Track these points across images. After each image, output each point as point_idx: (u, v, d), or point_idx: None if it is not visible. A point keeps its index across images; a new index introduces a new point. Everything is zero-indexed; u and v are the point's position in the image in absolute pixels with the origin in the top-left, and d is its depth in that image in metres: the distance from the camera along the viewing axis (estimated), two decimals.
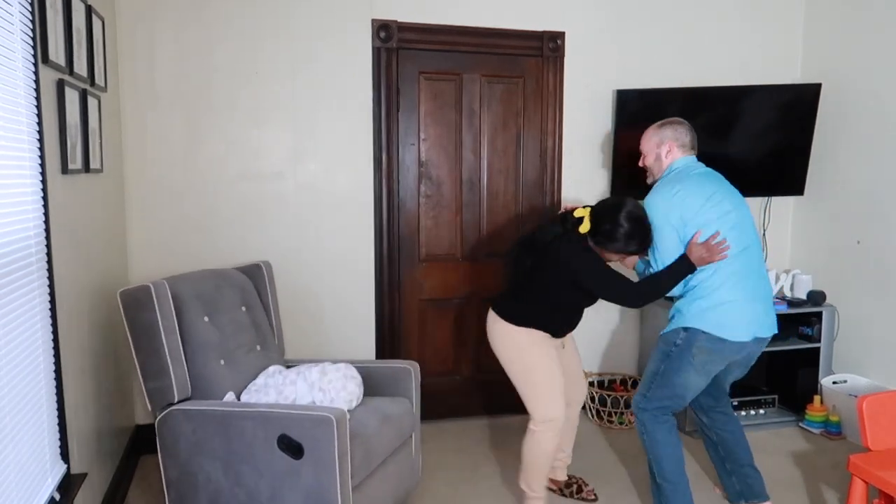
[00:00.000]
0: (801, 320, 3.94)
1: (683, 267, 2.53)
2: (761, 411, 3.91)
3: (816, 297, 3.91)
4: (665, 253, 2.58)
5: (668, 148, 2.70)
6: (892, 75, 3.62)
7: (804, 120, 3.95)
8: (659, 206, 2.59)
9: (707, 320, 2.53)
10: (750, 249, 2.59)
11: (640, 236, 2.58)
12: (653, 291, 2.60)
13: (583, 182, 3.94)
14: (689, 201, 2.54)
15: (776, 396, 3.96)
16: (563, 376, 2.71)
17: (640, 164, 2.80)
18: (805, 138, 3.98)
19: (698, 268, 2.52)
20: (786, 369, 4.01)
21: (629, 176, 3.93)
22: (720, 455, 2.88)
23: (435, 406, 3.74)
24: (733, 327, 2.52)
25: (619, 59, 3.91)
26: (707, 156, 3.98)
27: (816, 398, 3.78)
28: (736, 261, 2.53)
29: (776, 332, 2.65)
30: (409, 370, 2.88)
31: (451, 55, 3.69)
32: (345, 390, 2.59)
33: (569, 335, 2.88)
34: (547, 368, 2.66)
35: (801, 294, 4.02)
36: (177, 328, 2.45)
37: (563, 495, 3.02)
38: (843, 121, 3.93)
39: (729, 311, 2.53)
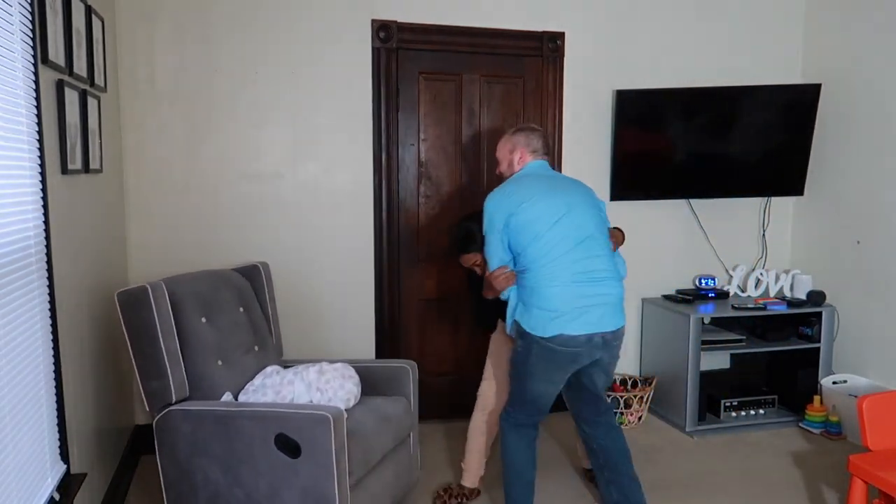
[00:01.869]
0: (801, 320, 3.94)
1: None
2: (761, 411, 3.91)
3: (816, 297, 3.91)
4: (491, 257, 2.56)
5: (519, 154, 2.65)
6: (892, 75, 3.62)
7: (804, 120, 3.95)
8: (488, 208, 2.55)
9: (535, 322, 2.43)
10: (587, 243, 2.46)
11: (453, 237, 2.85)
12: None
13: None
14: (514, 199, 2.48)
15: (776, 396, 3.95)
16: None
17: (497, 172, 2.76)
18: (805, 138, 3.98)
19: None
20: (786, 369, 4.01)
21: (629, 176, 3.94)
22: (600, 463, 2.73)
23: (433, 406, 3.74)
24: (560, 326, 2.39)
25: (619, 59, 3.91)
26: (707, 156, 4.03)
27: (816, 398, 3.78)
28: (566, 257, 2.42)
29: (619, 325, 2.50)
30: (408, 369, 2.89)
31: (451, 55, 3.69)
32: (342, 389, 2.59)
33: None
34: None
35: (801, 294, 4.02)
36: (174, 329, 2.45)
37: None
38: (843, 121, 3.93)
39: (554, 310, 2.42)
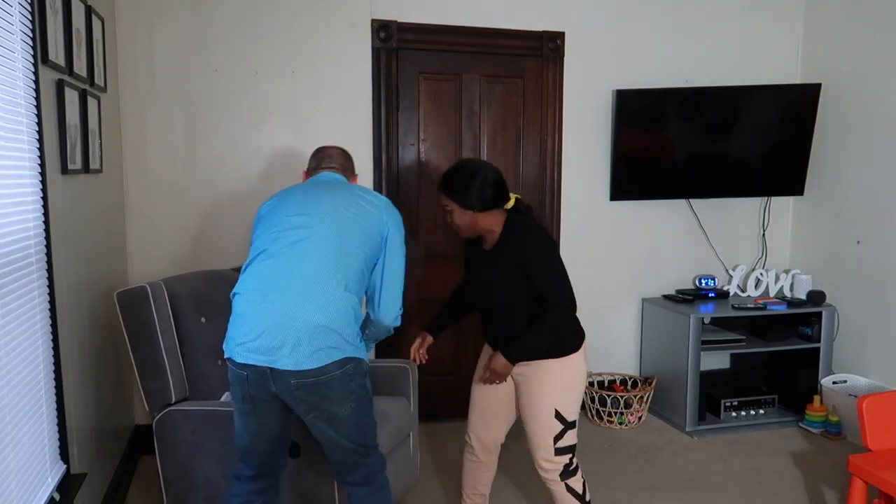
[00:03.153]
0: (801, 320, 3.94)
1: None
2: (761, 411, 3.91)
3: (816, 297, 3.91)
4: None
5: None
6: (892, 75, 3.62)
7: (804, 120, 3.96)
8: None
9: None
10: (303, 244, 2.01)
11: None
12: None
13: (583, 182, 3.94)
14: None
15: (776, 396, 3.95)
16: (484, 407, 2.47)
17: None
18: (805, 138, 3.98)
19: None
20: (786, 369, 4.01)
21: (629, 176, 3.94)
22: None
23: (433, 406, 3.74)
24: (228, 340, 2.02)
25: (619, 59, 3.91)
26: (707, 156, 4.03)
27: (816, 398, 3.78)
28: (265, 262, 2.03)
29: (313, 366, 1.91)
30: (407, 370, 2.89)
31: (451, 55, 3.69)
32: None
33: (529, 373, 2.32)
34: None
35: (801, 294, 4.02)
36: (174, 329, 2.45)
37: None
38: (843, 121, 3.93)
39: (230, 321, 2.03)
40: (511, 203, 2.31)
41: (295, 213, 2.09)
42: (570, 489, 2.33)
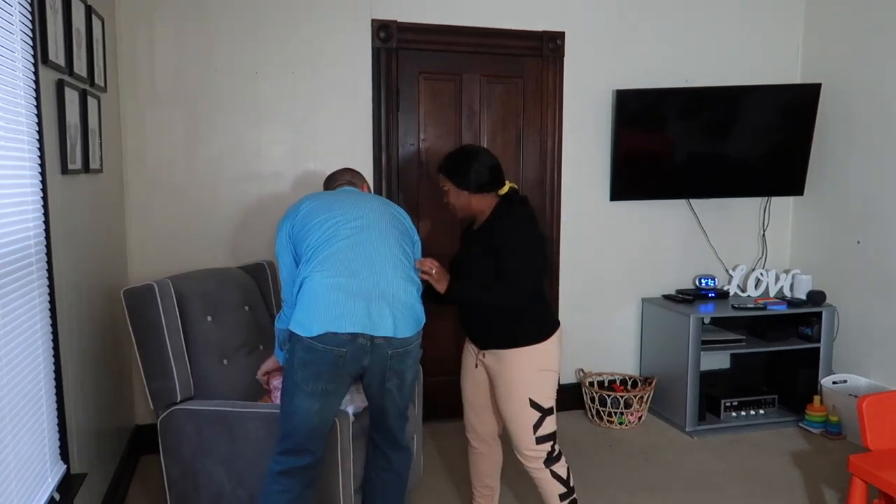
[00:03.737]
0: (801, 320, 3.94)
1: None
2: (761, 411, 3.91)
3: (816, 297, 3.91)
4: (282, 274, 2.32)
5: None
6: (892, 75, 3.62)
7: (804, 120, 3.96)
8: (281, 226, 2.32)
9: (297, 319, 2.10)
10: (368, 232, 2.18)
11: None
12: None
13: (583, 182, 3.94)
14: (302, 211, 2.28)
15: (776, 396, 3.95)
16: (472, 400, 2.56)
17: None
18: (805, 138, 3.98)
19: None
20: (786, 369, 4.01)
21: (629, 176, 3.94)
22: (361, 497, 2.38)
23: (435, 406, 3.73)
24: (319, 319, 2.05)
25: (619, 59, 3.91)
26: (707, 156, 4.03)
27: (816, 398, 3.78)
28: (340, 243, 2.14)
29: (407, 335, 2.14)
30: None
31: (451, 55, 3.69)
32: (352, 404, 2.59)
33: (497, 364, 2.38)
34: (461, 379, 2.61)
35: (801, 294, 4.02)
36: (180, 327, 2.45)
37: None
38: (843, 121, 3.93)
39: (314, 302, 2.08)
40: (505, 189, 2.40)
41: (349, 206, 2.25)
42: (555, 474, 2.38)
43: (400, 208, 2.43)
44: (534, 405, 2.33)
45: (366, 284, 2.10)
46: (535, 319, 2.38)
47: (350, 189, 2.48)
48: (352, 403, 2.54)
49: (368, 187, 2.61)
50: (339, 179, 2.55)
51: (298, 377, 2.10)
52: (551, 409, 2.38)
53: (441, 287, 2.32)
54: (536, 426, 2.34)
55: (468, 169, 2.34)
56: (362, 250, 2.15)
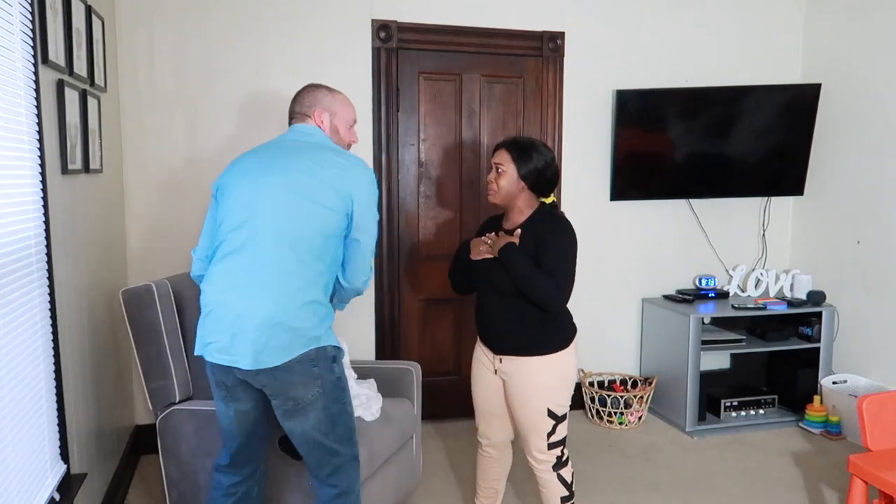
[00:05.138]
0: (801, 320, 3.94)
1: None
2: (761, 411, 3.91)
3: (816, 297, 3.91)
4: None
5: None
6: (892, 75, 3.62)
7: (804, 120, 3.96)
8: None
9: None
10: (249, 248, 1.96)
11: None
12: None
13: (583, 182, 3.94)
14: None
15: (776, 396, 3.96)
16: (485, 409, 2.49)
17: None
18: (805, 138, 3.98)
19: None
20: (786, 369, 4.01)
21: (629, 176, 3.94)
22: None
23: (435, 406, 3.74)
24: (199, 341, 2.02)
25: (619, 59, 3.91)
26: (707, 156, 4.03)
27: (816, 398, 3.78)
28: (221, 263, 1.99)
29: (273, 364, 1.90)
30: (411, 371, 2.88)
31: (451, 55, 3.69)
32: (368, 411, 2.59)
33: (516, 371, 2.32)
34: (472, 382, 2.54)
35: (801, 294, 4.02)
36: (178, 328, 2.45)
37: None
38: (843, 121, 3.93)
39: (199, 320, 2.02)
40: (550, 199, 2.37)
41: (247, 196, 2.01)
42: (561, 479, 2.37)
43: (341, 166, 2.02)
44: (551, 414, 2.30)
45: (233, 313, 1.91)
46: (560, 327, 2.33)
47: (284, 142, 2.14)
48: (366, 409, 2.53)
49: (325, 109, 2.16)
50: (293, 112, 2.20)
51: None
52: (565, 415, 2.35)
53: (498, 246, 2.25)
54: (550, 433, 2.32)
55: (537, 161, 2.27)
56: (239, 273, 1.94)
